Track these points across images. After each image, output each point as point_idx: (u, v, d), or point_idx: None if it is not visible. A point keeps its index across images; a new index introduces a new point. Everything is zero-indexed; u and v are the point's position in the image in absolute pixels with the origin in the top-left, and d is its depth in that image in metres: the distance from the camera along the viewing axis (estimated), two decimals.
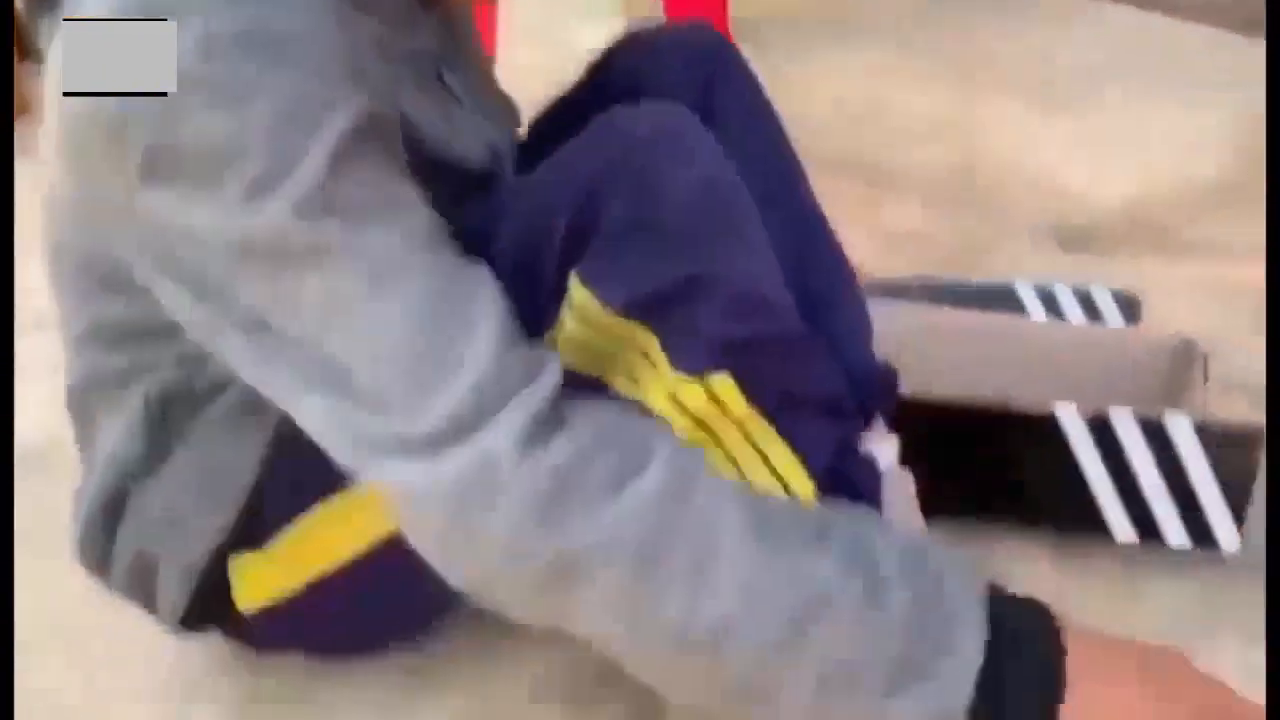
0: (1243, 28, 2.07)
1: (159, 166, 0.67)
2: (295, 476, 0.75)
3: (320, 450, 0.71)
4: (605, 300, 0.72)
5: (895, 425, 0.90)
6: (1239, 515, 1.01)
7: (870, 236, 1.46)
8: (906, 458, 0.89)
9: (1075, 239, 1.56)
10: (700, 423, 0.75)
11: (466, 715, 0.93)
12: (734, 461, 0.76)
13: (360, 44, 0.71)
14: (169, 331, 0.76)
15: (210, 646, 0.95)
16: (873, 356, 0.90)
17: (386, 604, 0.81)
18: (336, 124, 0.66)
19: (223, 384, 0.79)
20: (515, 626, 0.74)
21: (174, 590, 0.85)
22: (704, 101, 0.89)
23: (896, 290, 1.22)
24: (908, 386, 0.94)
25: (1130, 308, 1.26)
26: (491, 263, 0.73)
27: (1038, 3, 2.23)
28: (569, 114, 0.92)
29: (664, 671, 0.70)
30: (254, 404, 0.76)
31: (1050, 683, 0.67)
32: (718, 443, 0.75)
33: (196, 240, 0.68)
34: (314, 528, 0.83)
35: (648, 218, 0.72)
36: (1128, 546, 1.04)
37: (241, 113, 0.65)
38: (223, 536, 0.83)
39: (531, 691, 0.93)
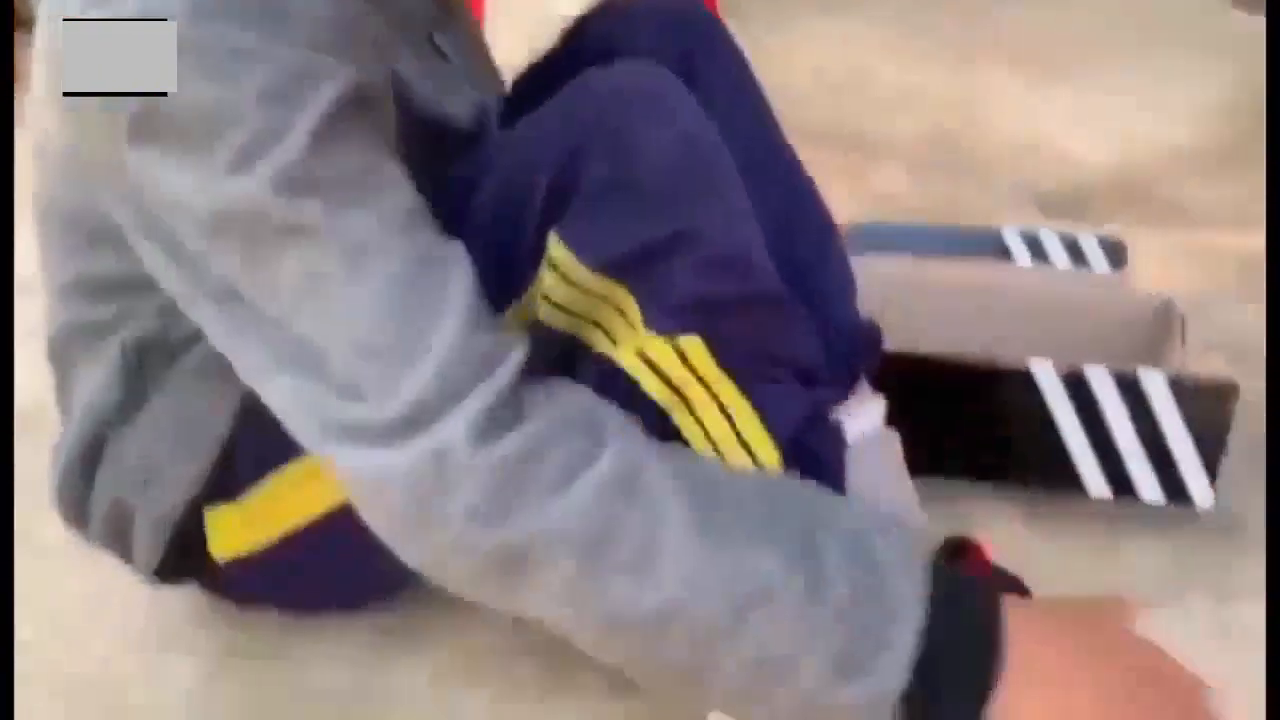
0: None
1: (146, 127, 0.67)
2: (269, 429, 0.75)
3: None
4: (583, 259, 0.73)
5: (878, 382, 0.90)
6: (1212, 471, 1.02)
7: (856, 201, 1.46)
8: (889, 416, 0.89)
9: (1058, 204, 1.57)
10: (669, 383, 0.75)
11: (440, 673, 0.93)
12: (700, 423, 0.76)
13: (353, 5, 0.71)
14: (152, 284, 0.76)
15: (188, 599, 0.96)
16: (857, 314, 0.91)
17: (360, 561, 0.80)
18: (323, 97, 0.66)
19: (198, 335, 0.78)
20: None
21: (149, 540, 0.86)
22: (684, 70, 0.88)
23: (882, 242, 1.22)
24: (891, 343, 0.94)
25: (1116, 253, 1.27)
26: (474, 215, 0.73)
27: None
28: (544, 77, 0.92)
29: (609, 651, 0.71)
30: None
31: (987, 653, 0.67)
32: (686, 404, 0.76)
33: (177, 204, 0.68)
34: (288, 481, 0.83)
35: (626, 177, 0.72)
36: (1102, 504, 1.05)
37: (230, 81, 0.65)
38: (197, 488, 0.84)
39: (509, 647, 0.94)
